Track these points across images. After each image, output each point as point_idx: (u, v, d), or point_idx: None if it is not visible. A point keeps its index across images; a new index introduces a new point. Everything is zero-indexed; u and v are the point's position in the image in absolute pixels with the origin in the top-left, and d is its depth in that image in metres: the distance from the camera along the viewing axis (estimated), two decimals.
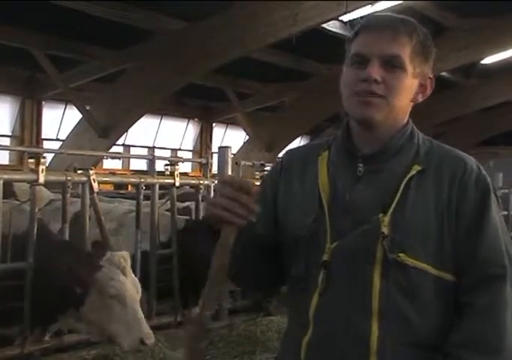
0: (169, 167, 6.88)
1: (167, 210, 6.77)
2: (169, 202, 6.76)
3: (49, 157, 17.33)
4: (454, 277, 1.93)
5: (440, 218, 1.92)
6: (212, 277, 1.88)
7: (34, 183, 5.15)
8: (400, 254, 1.89)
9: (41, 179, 5.15)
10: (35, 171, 5.16)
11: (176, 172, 6.67)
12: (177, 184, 6.69)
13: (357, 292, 1.92)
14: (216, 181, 1.79)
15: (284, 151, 2.36)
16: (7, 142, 18.47)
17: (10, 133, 18.97)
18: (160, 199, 6.80)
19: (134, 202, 6.49)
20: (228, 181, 1.88)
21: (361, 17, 13.50)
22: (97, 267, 4.45)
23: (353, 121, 2.03)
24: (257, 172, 8.00)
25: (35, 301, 4.86)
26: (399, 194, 1.93)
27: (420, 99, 2.05)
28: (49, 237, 5.06)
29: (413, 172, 1.95)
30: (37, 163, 5.20)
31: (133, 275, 4.64)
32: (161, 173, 7.09)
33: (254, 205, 1.86)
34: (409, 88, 1.99)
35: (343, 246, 1.94)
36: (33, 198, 5.14)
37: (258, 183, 2.24)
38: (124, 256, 4.53)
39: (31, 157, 5.42)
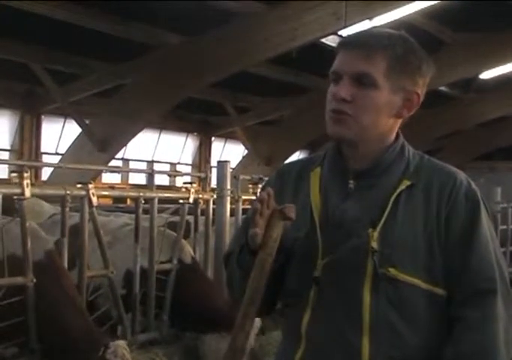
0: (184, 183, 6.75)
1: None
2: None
3: (48, 170, 17.46)
4: (445, 291, 1.93)
5: (429, 232, 1.93)
6: (247, 300, 1.86)
7: (20, 197, 4.95)
8: (390, 269, 1.90)
9: (27, 193, 4.95)
10: (20, 185, 4.93)
11: (192, 189, 6.54)
12: (191, 199, 6.56)
13: (348, 307, 1.92)
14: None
15: (281, 165, 2.36)
16: (6, 156, 18.47)
17: (9, 147, 18.97)
18: (159, 213, 6.78)
19: (133, 215, 6.47)
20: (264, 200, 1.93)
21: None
22: None
23: None
24: (250, 185, 7.79)
25: None
26: (388, 209, 1.94)
27: (406, 114, 2.03)
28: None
29: (402, 187, 1.96)
30: (22, 177, 4.94)
31: None
32: (160, 187, 7.08)
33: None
34: (384, 105, 1.97)
35: (334, 261, 1.94)
36: (21, 213, 4.96)
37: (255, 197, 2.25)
38: (125, 347, 4.68)
39: (14, 171, 5.16)
